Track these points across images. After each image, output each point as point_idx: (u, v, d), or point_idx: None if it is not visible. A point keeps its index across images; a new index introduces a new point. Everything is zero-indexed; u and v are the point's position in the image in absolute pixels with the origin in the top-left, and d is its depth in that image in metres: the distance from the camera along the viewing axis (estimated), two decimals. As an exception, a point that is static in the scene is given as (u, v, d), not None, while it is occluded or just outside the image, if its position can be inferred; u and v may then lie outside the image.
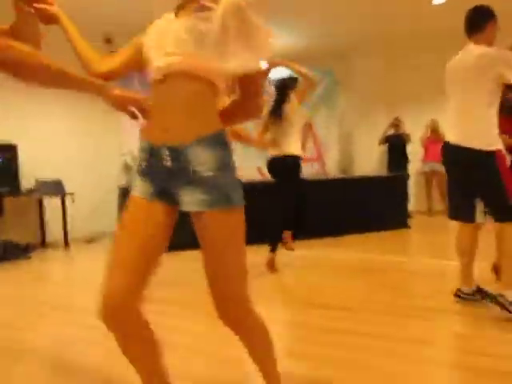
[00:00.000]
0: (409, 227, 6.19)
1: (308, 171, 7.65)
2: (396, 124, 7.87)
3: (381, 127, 8.05)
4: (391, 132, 7.94)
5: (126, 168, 6.01)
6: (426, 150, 7.78)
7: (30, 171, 5.98)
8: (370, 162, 8.64)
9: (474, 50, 2.65)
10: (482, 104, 2.62)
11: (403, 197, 6.35)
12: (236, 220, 1.31)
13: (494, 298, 2.62)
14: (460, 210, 2.84)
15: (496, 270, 3.21)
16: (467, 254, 2.81)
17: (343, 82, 8.52)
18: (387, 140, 7.93)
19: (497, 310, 2.60)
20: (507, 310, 2.54)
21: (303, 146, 4.70)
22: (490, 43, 2.67)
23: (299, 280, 3.85)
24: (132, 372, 1.39)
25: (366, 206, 5.93)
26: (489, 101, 2.62)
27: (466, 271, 2.82)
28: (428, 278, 3.70)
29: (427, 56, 8.05)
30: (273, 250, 4.04)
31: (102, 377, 2.05)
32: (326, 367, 2.04)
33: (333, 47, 8.34)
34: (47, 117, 6.25)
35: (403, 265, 4.21)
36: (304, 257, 4.41)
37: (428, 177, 7.88)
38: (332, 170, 8.01)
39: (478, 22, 2.70)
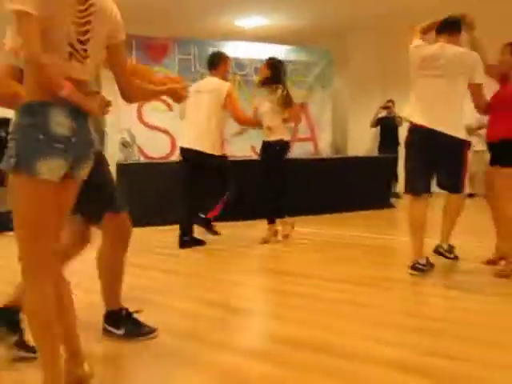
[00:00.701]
0: (393, 207, 6.47)
1: (301, 151, 7.88)
2: (388, 106, 8.04)
3: (375, 108, 8.21)
4: (383, 114, 8.12)
5: (123, 145, 6.26)
6: (417, 132, 7.98)
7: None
8: (363, 142, 8.82)
9: (454, 48, 3.11)
10: (461, 98, 3.12)
11: (389, 178, 6.62)
12: (14, 182, 1.42)
13: (436, 252, 3.36)
14: (419, 184, 3.22)
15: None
16: (420, 228, 3.14)
17: (339, 62, 8.65)
18: (379, 122, 8.11)
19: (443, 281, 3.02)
20: (445, 256, 3.35)
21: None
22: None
23: (278, 253, 4.17)
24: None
25: (353, 185, 6.19)
26: (463, 95, 3.13)
27: (420, 244, 3.14)
28: (398, 252, 4.00)
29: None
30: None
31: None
32: (295, 327, 2.36)
33: (330, 27, 8.42)
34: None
35: (377, 240, 4.52)
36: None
37: (417, 159, 8.09)
38: (325, 150, 8.23)
39: (453, 27, 3.22)
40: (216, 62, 4.28)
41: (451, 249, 3.48)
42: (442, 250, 3.47)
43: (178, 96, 1.88)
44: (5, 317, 1.91)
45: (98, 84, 1.95)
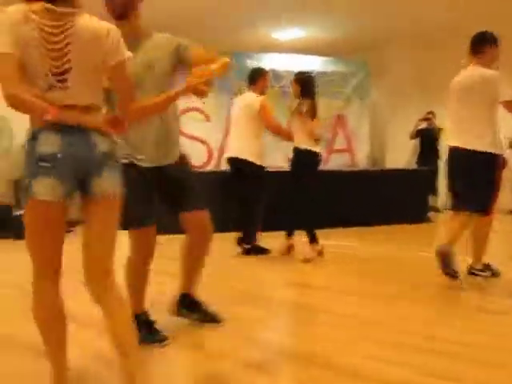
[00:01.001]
0: (431, 221, 6.30)
1: (337, 163, 7.83)
2: (428, 118, 7.86)
3: (415, 120, 8.04)
4: (423, 126, 7.94)
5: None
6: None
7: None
8: (403, 154, 8.64)
9: (481, 70, 3.25)
10: (493, 116, 3.24)
11: (426, 191, 6.49)
12: None
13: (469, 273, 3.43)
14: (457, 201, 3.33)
15: None
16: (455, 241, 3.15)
17: (377, 73, 8.55)
18: (419, 134, 7.94)
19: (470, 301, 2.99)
20: (480, 275, 3.38)
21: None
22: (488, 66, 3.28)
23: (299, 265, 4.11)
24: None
25: (388, 198, 6.06)
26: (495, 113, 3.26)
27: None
28: (424, 269, 3.86)
29: (462, 47, 7.95)
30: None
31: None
32: (305, 342, 2.34)
33: (366, 39, 8.40)
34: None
35: (406, 255, 4.44)
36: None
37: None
38: (362, 161, 8.12)
39: (480, 44, 3.33)
40: (255, 78, 4.52)
41: (487, 267, 3.40)
42: (475, 271, 3.43)
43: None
44: (183, 302, 2.42)
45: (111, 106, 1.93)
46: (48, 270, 1.61)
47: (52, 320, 1.63)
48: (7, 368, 2.02)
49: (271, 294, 3.31)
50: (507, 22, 6.30)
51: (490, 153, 3.18)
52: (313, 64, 7.78)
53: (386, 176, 6.45)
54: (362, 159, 8.14)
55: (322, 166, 7.57)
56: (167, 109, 2.03)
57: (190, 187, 2.28)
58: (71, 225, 6.34)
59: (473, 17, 7.07)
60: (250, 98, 4.41)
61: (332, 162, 7.83)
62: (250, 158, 4.28)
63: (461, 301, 3.04)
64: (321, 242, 4.20)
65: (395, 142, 8.75)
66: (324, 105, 7.74)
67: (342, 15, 7.28)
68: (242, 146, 4.34)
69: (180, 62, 2.18)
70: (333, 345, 2.27)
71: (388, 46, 8.62)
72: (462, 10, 6.92)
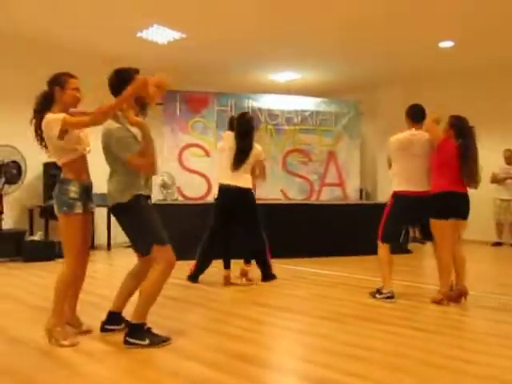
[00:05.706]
0: (410, 252, 6.74)
1: (330, 195, 8.34)
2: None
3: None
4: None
5: (163, 186, 6.95)
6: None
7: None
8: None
9: None
10: None
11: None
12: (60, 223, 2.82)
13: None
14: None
15: None
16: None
17: (369, 113, 9.15)
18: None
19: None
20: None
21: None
22: None
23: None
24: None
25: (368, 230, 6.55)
26: None
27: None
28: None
29: (445, 93, 8.55)
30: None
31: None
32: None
33: (359, 81, 9.06)
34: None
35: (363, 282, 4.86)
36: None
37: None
38: (352, 195, 8.60)
39: None
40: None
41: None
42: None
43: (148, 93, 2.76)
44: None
45: None
46: None
47: None
48: (17, 363, 2.49)
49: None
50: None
51: None
52: (307, 104, 8.39)
53: (372, 209, 6.94)
54: (352, 193, 8.61)
55: (315, 199, 8.18)
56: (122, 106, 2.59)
57: None
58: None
59: (448, 66, 7.66)
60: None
61: (325, 195, 8.34)
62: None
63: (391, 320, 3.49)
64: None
65: (386, 177, 9.22)
66: (316, 142, 8.34)
67: (335, 59, 7.96)
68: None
69: None
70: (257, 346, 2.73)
71: (379, 87, 9.26)
72: (436, 60, 7.55)
